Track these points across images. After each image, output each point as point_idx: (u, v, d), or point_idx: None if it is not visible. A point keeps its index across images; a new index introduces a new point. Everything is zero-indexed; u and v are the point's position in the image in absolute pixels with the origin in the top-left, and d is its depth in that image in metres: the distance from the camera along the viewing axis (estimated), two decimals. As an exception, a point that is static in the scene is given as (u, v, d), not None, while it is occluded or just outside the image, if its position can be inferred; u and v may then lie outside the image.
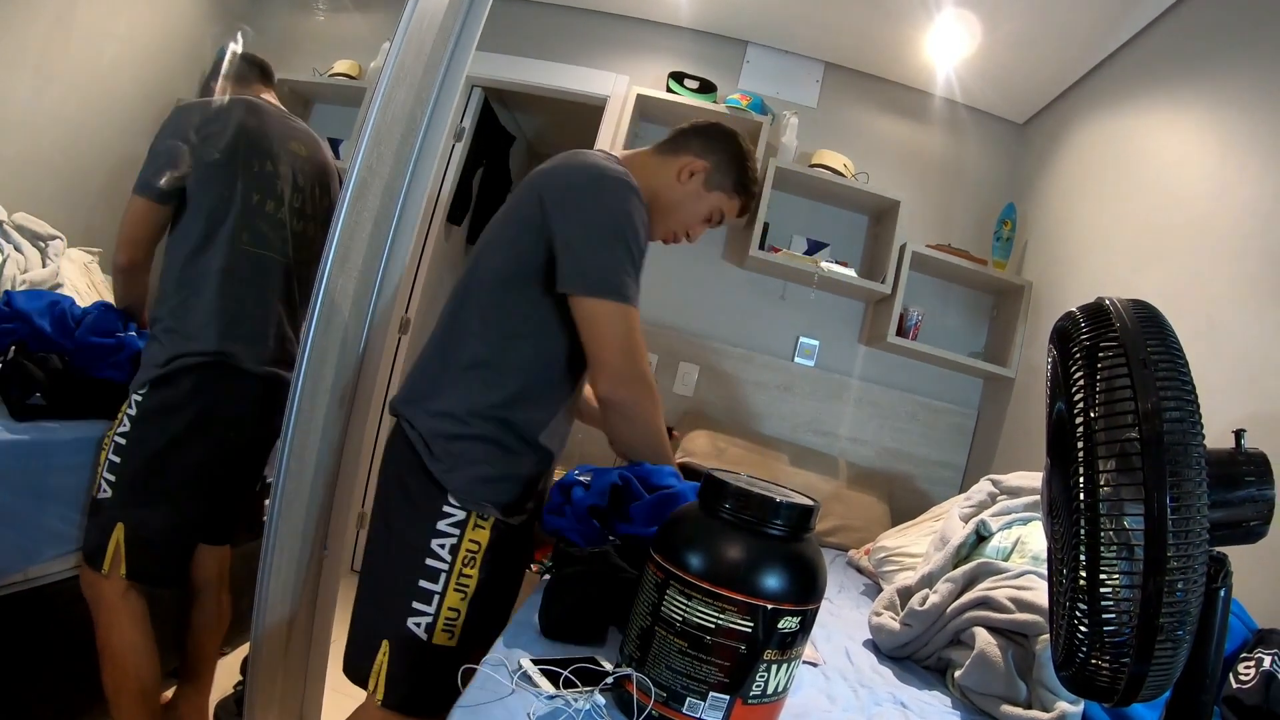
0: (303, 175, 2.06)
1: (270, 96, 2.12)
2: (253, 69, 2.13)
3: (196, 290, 1.85)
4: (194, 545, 2.03)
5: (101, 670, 1.77)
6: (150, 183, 1.86)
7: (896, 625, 1.56)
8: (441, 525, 1.40)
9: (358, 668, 1.47)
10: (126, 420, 1.80)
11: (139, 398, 1.80)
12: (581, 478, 1.41)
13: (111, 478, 1.78)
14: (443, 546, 1.40)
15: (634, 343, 1.42)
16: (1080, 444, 0.81)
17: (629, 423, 1.48)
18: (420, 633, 1.40)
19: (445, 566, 1.40)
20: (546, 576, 1.26)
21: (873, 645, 1.62)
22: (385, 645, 1.41)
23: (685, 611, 0.88)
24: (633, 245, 1.43)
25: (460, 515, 1.41)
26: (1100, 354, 0.81)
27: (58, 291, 2.28)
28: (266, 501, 2.21)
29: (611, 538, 1.30)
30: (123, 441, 1.79)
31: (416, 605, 1.40)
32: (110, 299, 2.10)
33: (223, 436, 1.91)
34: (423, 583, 1.40)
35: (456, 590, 1.41)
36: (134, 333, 1.95)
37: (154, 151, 1.89)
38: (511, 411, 1.45)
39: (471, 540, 1.41)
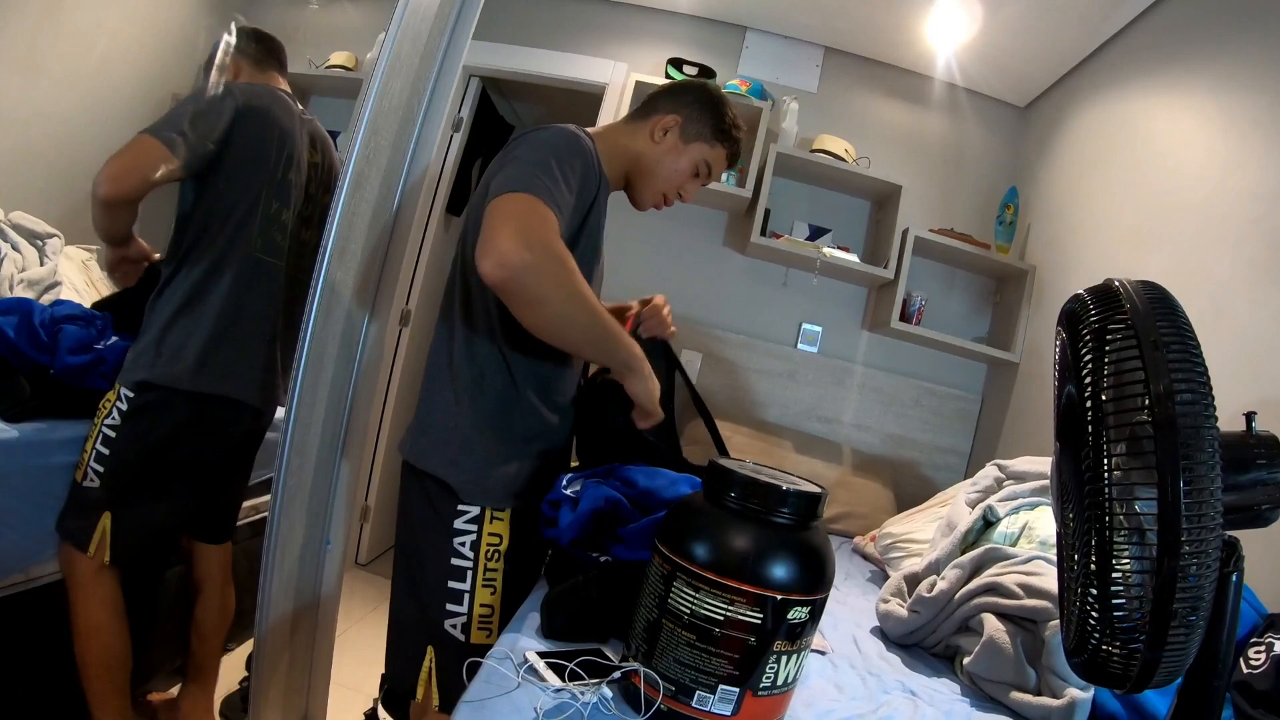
0: (314, 183, 2.05)
1: (284, 86, 2.08)
2: (270, 56, 2.07)
3: (203, 297, 1.84)
4: (179, 537, 2.04)
5: (74, 644, 1.77)
6: (170, 131, 1.75)
7: (904, 612, 1.56)
8: (458, 524, 1.39)
9: (400, 680, 1.47)
10: (116, 413, 1.78)
11: (130, 393, 1.78)
12: (568, 490, 1.35)
13: (99, 468, 1.77)
14: (463, 544, 1.39)
15: (532, 214, 1.22)
16: (1091, 427, 0.80)
17: (535, 304, 1.22)
18: (458, 634, 1.39)
19: (469, 564, 1.39)
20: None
21: (880, 633, 1.61)
22: (431, 651, 1.41)
23: (693, 603, 0.87)
24: (552, 163, 1.31)
25: (474, 511, 1.40)
26: (1109, 336, 0.80)
27: (55, 289, 2.28)
28: (258, 500, 2.23)
29: (600, 556, 1.27)
30: (111, 434, 1.77)
31: (450, 607, 1.39)
32: (107, 295, 2.09)
33: (211, 441, 1.91)
34: (451, 583, 1.39)
35: (485, 586, 1.40)
36: (115, 338, 1.90)
37: (188, 108, 1.80)
38: (509, 399, 1.44)
39: (491, 534, 1.40)
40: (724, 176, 3.21)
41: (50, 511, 1.77)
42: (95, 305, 2.03)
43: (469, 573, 1.39)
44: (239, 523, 2.22)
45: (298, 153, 1.97)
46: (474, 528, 1.40)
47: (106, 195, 1.76)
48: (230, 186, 1.86)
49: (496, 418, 1.43)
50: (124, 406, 1.78)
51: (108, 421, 1.78)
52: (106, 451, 1.77)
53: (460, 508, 1.40)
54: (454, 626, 1.39)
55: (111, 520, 1.77)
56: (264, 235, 1.91)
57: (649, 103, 1.66)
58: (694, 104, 1.63)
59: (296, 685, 1.92)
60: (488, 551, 1.40)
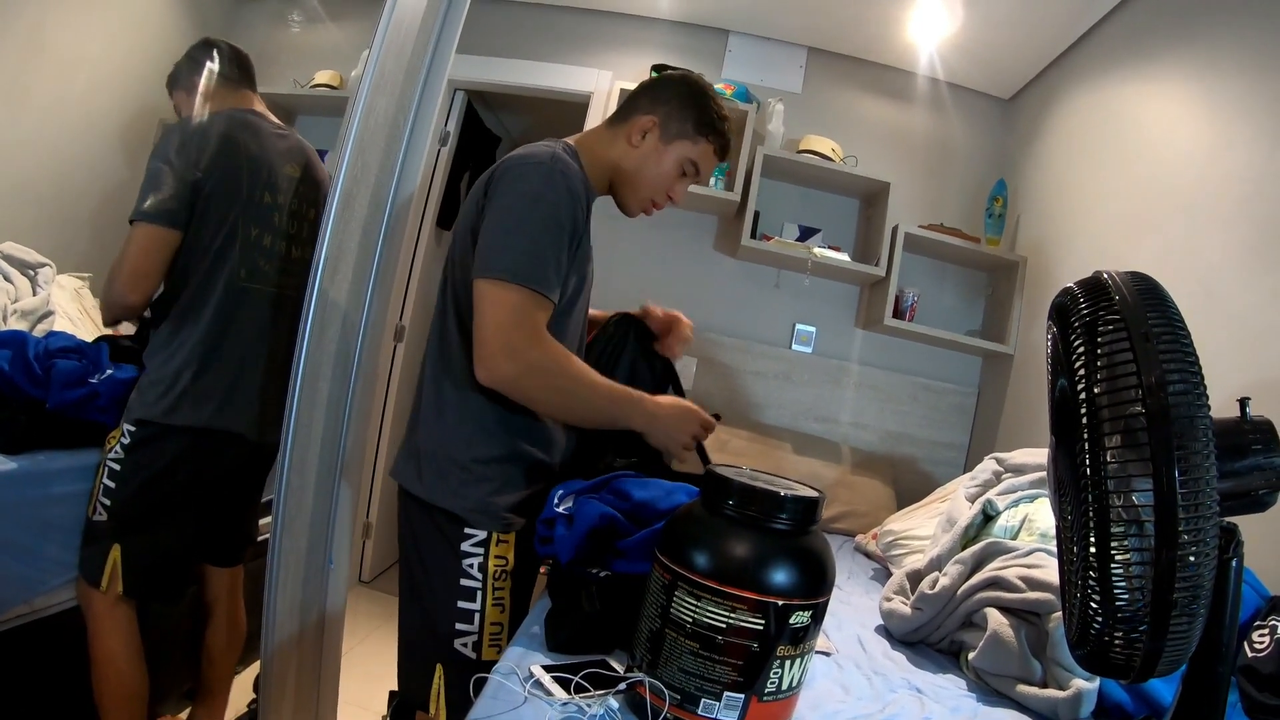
0: (299, 199, 2.03)
1: (258, 104, 2.06)
2: (244, 75, 2.05)
3: (192, 331, 1.84)
4: (192, 563, 2.04)
5: (91, 675, 1.78)
6: (152, 209, 1.79)
7: (908, 610, 1.56)
8: (465, 546, 1.41)
9: (413, 695, 1.48)
10: (119, 447, 1.79)
11: (131, 427, 1.79)
12: (560, 508, 1.34)
13: (107, 502, 1.78)
14: (471, 566, 1.41)
15: (519, 319, 1.30)
16: (1085, 420, 0.80)
17: (534, 405, 1.40)
18: (469, 652, 1.41)
19: (478, 584, 1.41)
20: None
21: (884, 631, 1.61)
22: (439, 669, 1.42)
23: (695, 612, 0.87)
24: (543, 227, 1.35)
25: (481, 535, 1.41)
26: (1100, 329, 0.81)
27: (49, 318, 2.27)
28: (265, 520, 2.23)
29: (599, 571, 1.26)
30: (116, 467, 1.78)
31: (460, 627, 1.41)
32: (100, 320, 2.08)
33: (208, 472, 1.90)
34: (461, 603, 1.41)
35: (495, 605, 1.42)
36: (110, 371, 1.88)
37: (150, 176, 1.81)
38: (505, 423, 1.44)
39: (498, 556, 1.42)
40: (712, 180, 3.20)
41: (52, 542, 1.77)
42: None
43: (479, 593, 1.41)
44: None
45: (271, 174, 1.95)
46: (481, 550, 1.41)
47: (137, 303, 1.81)
48: (204, 221, 1.85)
49: (496, 446, 1.44)
50: (126, 441, 1.79)
51: (111, 456, 1.80)
52: (112, 485, 1.79)
53: (467, 531, 1.41)
54: (464, 645, 1.41)
55: (121, 552, 1.78)
56: (247, 263, 1.90)
57: (628, 103, 1.61)
58: (672, 100, 1.56)
59: (305, 705, 1.92)
60: (495, 572, 1.42)
